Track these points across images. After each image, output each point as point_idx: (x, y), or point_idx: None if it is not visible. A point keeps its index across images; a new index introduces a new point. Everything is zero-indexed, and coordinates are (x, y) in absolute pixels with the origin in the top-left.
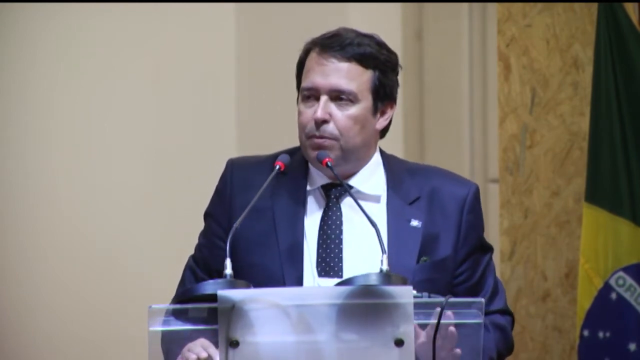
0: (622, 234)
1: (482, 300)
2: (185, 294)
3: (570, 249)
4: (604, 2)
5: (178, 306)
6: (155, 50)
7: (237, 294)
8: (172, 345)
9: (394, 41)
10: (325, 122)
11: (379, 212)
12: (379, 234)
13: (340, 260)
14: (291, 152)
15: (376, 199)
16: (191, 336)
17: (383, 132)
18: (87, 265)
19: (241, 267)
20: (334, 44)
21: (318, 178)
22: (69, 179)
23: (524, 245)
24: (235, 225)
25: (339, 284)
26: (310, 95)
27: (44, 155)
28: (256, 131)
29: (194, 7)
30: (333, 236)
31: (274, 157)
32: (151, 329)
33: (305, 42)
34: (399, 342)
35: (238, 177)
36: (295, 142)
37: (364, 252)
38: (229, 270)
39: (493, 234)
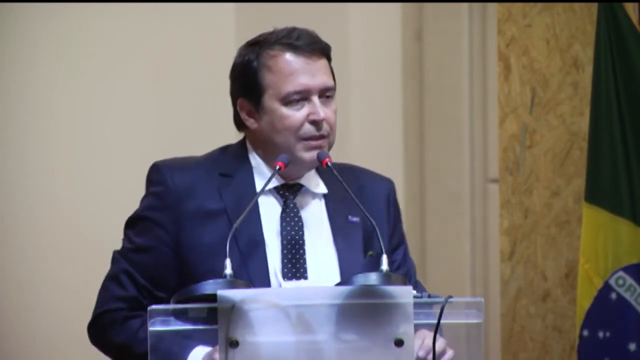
0: (622, 234)
1: (482, 300)
2: (185, 294)
3: (570, 249)
4: (604, 2)
5: (178, 306)
6: (155, 50)
7: (237, 294)
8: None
9: (394, 41)
10: (323, 121)
11: (322, 209)
12: (378, 234)
13: (305, 261)
14: (221, 153)
15: (320, 197)
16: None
17: None
18: (87, 265)
19: (201, 275)
20: (305, 42)
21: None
22: (69, 179)
23: (524, 245)
24: (235, 225)
25: (338, 284)
26: (298, 98)
27: (44, 155)
28: None
29: (194, 7)
30: (297, 237)
31: (207, 160)
32: (151, 329)
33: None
34: (399, 342)
35: (180, 181)
36: None
37: (324, 252)
38: (228, 270)
39: (493, 234)
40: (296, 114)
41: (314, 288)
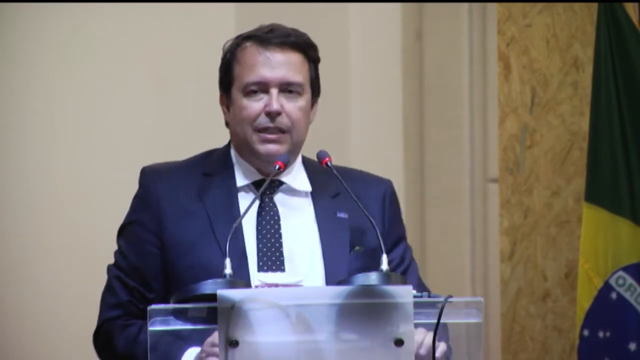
0: (622, 234)
1: (482, 300)
2: (184, 294)
3: (570, 249)
4: (604, 2)
5: (178, 306)
6: (155, 50)
7: (236, 294)
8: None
9: (394, 41)
10: (279, 114)
11: (308, 206)
12: (378, 233)
13: (281, 254)
14: (208, 154)
15: (305, 194)
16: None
17: None
18: (87, 265)
19: (180, 271)
20: (274, 37)
21: (247, 174)
22: (69, 179)
23: (524, 245)
24: (235, 225)
25: (339, 284)
26: (257, 89)
27: (44, 155)
28: None
29: (194, 7)
30: (272, 231)
31: (192, 161)
32: (151, 328)
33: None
34: (399, 342)
35: (161, 182)
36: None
37: (302, 246)
38: (228, 270)
39: (493, 234)
40: (252, 105)
41: (313, 288)
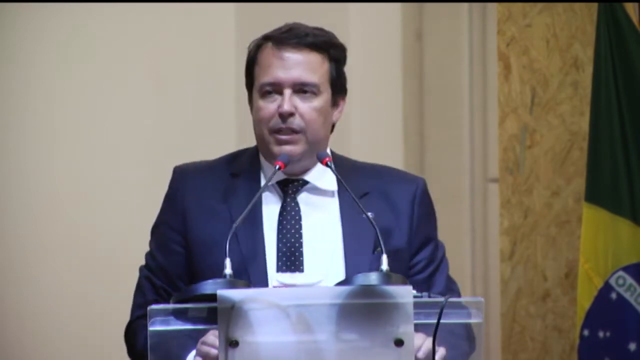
0: (622, 234)
1: (482, 300)
2: (184, 294)
3: (570, 249)
4: (604, 2)
5: (178, 306)
6: (155, 50)
7: (236, 294)
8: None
9: (394, 41)
10: (291, 115)
11: (333, 206)
12: (378, 234)
13: (301, 254)
14: (237, 154)
15: (331, 194)
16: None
17: (333, 126)
18: (87, 265)
19: (202, 270)
20: (290, 37)
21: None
22: (69, 179)
23: (524, 245)
24: (235, 225)
25: (338, 284)
26: (272, 90)
27: (44, 155)
28: None
29: (194, 7)
30: (293, 231)
31: (221, 161)
32: (151, 328)
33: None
34: (399, 342)
35: (188, 181)
36: None
37: (324, 246)
38: (228, 270)
39: (493, 234)
40: (268, 107)
41: (314, 288)
